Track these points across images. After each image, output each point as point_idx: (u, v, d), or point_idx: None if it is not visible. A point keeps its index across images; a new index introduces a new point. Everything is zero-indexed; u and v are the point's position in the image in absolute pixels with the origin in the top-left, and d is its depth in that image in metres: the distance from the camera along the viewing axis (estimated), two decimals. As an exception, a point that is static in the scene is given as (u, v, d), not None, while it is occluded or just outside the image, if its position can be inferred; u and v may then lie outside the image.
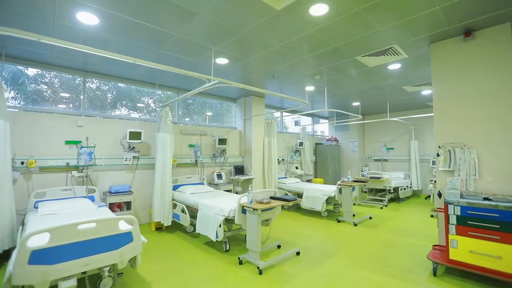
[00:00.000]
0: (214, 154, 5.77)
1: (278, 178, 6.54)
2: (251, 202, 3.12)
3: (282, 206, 5.73)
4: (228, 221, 3.49)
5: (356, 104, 7.10)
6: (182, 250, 3.60)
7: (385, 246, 3.69)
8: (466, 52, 3.07)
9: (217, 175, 5.51)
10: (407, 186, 7.23)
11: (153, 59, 3.79)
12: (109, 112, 4.76)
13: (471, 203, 2.58)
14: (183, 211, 4.19)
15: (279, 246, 3.69)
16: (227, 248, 3.55)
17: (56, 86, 4.30)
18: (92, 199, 3.90)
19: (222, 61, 3.91)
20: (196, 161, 5.36)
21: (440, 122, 3.22)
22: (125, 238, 2.29)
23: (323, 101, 6.18)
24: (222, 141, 5.63)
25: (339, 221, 4.98)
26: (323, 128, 10.40)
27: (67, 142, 3.96)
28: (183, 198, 4.34)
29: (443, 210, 2.81)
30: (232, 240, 3.96)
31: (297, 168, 7.36)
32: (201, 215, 3.76)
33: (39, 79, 4.16)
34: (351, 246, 3.70)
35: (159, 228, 4.53)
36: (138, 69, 4.31)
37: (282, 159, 7.23)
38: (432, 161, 7.40)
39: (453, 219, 2.69)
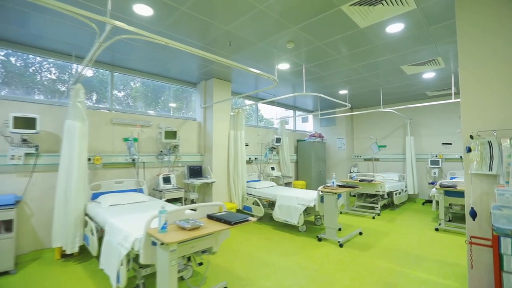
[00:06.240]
0: (161, 152, 4.45)
1: (248, 182, 5.27)
2: (163, 228, 1.84)
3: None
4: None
5: (343, 92, 5.93)
6: (70, 300, 2.28)
7: (384, 285, 2.49)
8: (514, -15, 1.91)
9: (164, 178, 4.19)
10: (402, 190, 6.13)
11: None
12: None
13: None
14: (92, 232, 2.87)
15: (225, 290, 2.43)
16: (141, 297, 2.27)
17: None
18: None
19: (142, 9, 2.60)
20: (133, 160, 4.02)
21: (471, 101, 2.04)
22: None
23: (302, 85, 4.95)
24: (170, 134, 4.32)
25: (320, 240, 3.77)
26: (310, 127, 9.08)
27: None
28: (95, 212, 3.00)
29: (489, 244, 1.63)
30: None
31: (273, 169, 6.12)
32: (105, 242, 2.45)
33: None
34: (333, 285, 2.48)
35: (69, 254, 3.17)
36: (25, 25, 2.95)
37: (255, 158, 5.98)
38: (431, 160, 6.34)
39: (511, 262, 1.50)
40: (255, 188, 4.99)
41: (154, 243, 1.94)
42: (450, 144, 6.30)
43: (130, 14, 2.67)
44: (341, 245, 3.52)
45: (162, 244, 1.72)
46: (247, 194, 5.02)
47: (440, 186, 4.35)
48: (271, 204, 4.70)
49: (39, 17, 2.74)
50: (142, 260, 1.91)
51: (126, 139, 4.02)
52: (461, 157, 6.06)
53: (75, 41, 3.30)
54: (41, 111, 3.33)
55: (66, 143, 3.10)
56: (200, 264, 2.78)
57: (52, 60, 3.73)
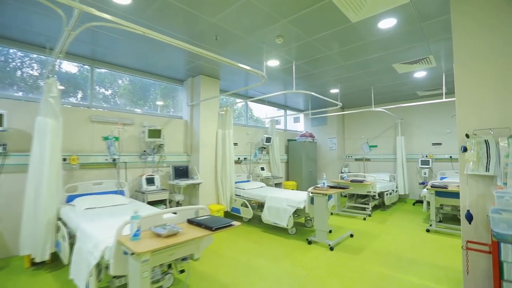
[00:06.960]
0: (144, 151, 4.23)
1: (236, 182, 5.11)
2: (135, 235, 1.66)
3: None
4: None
5: (334, 91, 5.84)
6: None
7: (375, 292, 2.37)
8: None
9: (147, 179, 3.98)
10: (393, 190, 6.08)
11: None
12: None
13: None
14: (64, 238, 2.65)
15: (207, 299, 2.26)
16: (113, 311, 2.07)
17: None
18: None
19: (120, -4, 2.41)
20: (114, 160, 3.80)
21: (467, 98, 1.94)
22: None
23: (292, 83, 4.82)
24: (154, 133, 4.11)
25: (310, 242, 3.64)
26: (301, 127, 8.96)
27: None
28: (68, 217, 2.78)
29: (487, 250, 1.52)
30: None
31: (263, 169, 5.98)
32: (76, 250, 2.25)
33: None
34: (323, 294, 2.35)
35: (40, 262, 2.93)
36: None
37: (244, 158, 5.82)
38: (421, 160, 6.32)
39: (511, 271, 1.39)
40: (244, 189, 4.83)
41: (126, 252, 1.76)
42: (440, 144, 6.29)
43: (105, 2, 2.47)
44: (331, 248, 3.40)
45: (132, 253, 1.55)
46: (236, 195, 4.85)
47: (431, 186, 4.30)
48: (261, 206, 4.55)
49: (1, 2, 2.51)
50: (112, 271, 1.73)
51: (106, 138, 3.79)
52: (451, 157, 6.06)
53: (45, 31, 3.06)
54: (11, 107, 3.08)
55: (37, 142, 2.86)
56: (182, 271, 2.59)
57: (24, 52, 3.47)
